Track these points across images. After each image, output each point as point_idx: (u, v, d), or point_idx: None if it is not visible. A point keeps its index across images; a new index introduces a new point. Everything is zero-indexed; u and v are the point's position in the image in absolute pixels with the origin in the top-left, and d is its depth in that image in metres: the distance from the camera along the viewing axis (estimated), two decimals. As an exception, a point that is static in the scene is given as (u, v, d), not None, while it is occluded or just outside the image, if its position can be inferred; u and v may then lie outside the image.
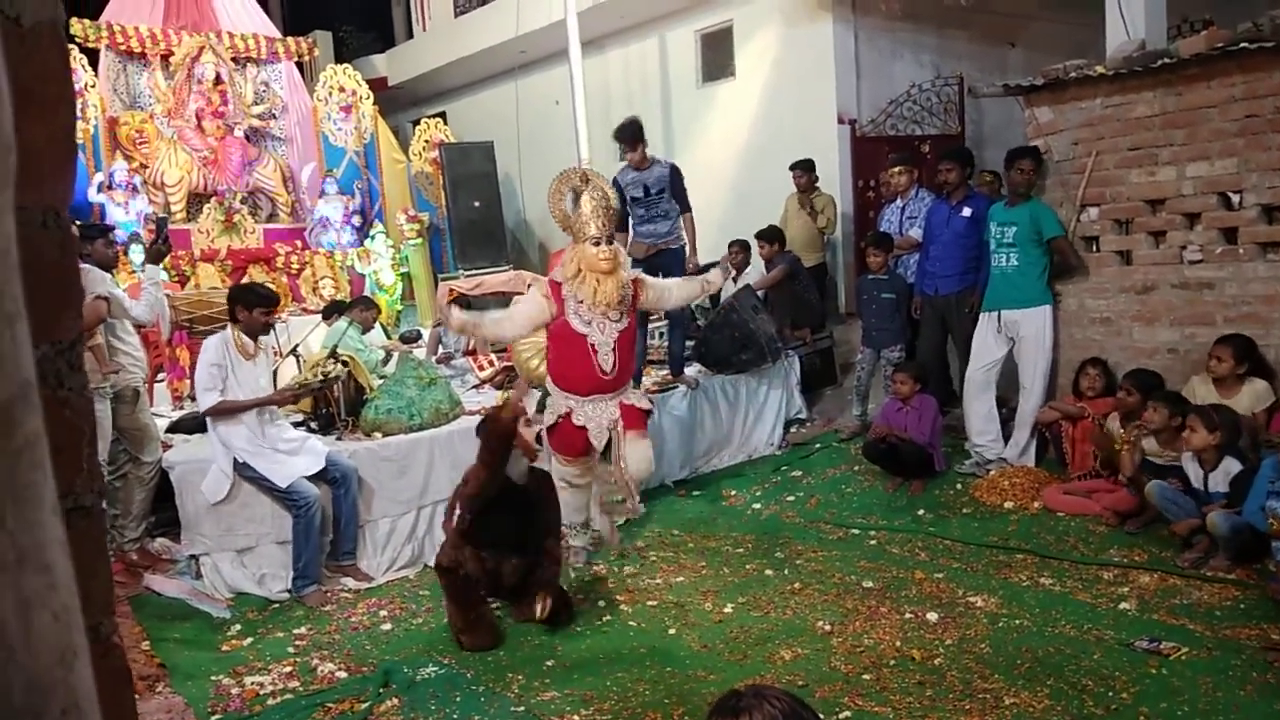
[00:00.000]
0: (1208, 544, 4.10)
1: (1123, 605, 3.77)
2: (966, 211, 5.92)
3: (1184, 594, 3.83)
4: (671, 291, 4.77)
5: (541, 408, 4.54)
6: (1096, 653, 3.38)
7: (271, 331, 4.97)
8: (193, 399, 5.46)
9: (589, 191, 4.37)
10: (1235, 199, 4.83)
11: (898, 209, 7.02)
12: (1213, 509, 4.02)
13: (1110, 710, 2.98)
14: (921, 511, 5.20)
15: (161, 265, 5.08)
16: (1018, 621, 3.70)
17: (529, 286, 6.24)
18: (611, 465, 4.55)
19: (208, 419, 4.59)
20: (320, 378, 5.16)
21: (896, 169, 6.97)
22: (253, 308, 4.59)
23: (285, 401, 4.93)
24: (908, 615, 3.83)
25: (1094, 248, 5.46)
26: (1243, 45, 4.52)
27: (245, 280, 8.52)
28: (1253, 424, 4.46)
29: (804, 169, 7.88)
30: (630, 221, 6.11)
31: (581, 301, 4.30)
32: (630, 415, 4.49)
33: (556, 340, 4.45)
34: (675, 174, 6.06)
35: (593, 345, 4.30)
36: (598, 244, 4.31)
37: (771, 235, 7.30)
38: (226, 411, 4.50)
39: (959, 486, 5.50)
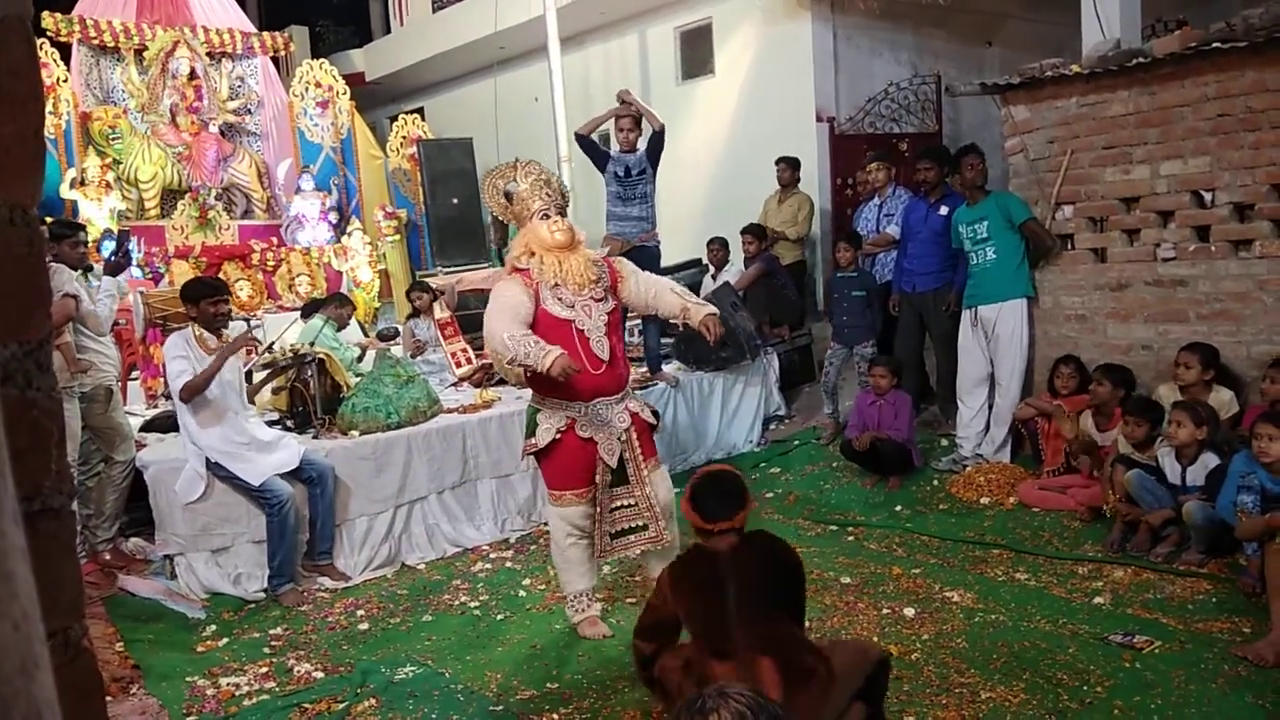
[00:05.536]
0: (1178, 537, 4.16)
1: (1097, 599, 3.81)
2: (944, 210, 5.96)
3: (1157, 588, 3.87)
4: (659, 294, 3.90)
5: (531, 431, 3.74)
6: (1071, 647, 3.41)
7: (232, 323, 4.90)
8: (167, 397, 5.40)
9: (521, 174, 3.87)
10: (1208, 197, 4.88)
11: (875, 206, 7.04)
12: (1189, 499, 4.07)
13: (1085, 704, 3.01)
14: (899, 508, 5.23)
15: (119, 278, 5.01)
16: (994, 616, 3.73)
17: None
18: (630, 485, 3.79)
19: (179, 416, 4.52)
20: (290, 355, 5.11)
21: (874, 165, 7.00)
22: (200, 299, 4.53)
23: (243, 351, 4.73)
24: (885, 611, 3.85)
25: (1069, 245, 5.51)
26: (1215, 45, 4.57)
27: (218, 278, 8.42)
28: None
29: (789, 164, 7.90)
30: (606, 207, 6.09)
31: (557, 284, 3.65)
32: (643, 436, 3.83)
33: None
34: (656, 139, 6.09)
35: (581, 331, 3.63)
36: (546, 217, 3.71)
37: (758, 231, 7.34)
38: (201, 386, 4.40)
39: (935, 483, 5.53)
